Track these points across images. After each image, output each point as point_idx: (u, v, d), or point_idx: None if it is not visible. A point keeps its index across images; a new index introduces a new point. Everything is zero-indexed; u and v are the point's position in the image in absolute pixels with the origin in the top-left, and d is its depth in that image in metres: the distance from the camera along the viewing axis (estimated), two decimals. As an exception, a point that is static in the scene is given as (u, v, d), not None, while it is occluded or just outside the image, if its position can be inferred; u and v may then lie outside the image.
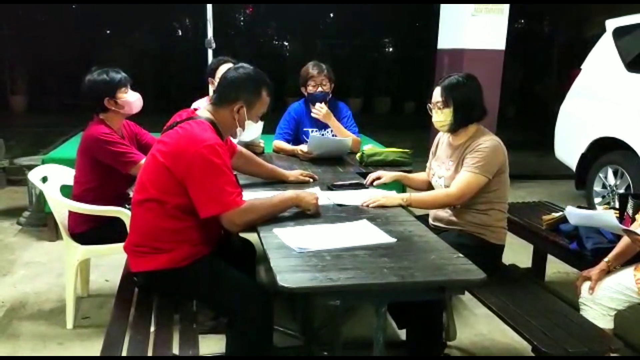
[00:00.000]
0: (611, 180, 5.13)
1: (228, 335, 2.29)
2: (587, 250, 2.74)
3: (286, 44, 15.52)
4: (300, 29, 14.36)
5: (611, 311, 2.37)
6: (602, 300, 2.37)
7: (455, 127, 2.70)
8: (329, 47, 14.35)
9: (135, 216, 2.29)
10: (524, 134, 10.31)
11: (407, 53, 14.94)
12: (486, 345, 3.04)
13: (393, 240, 2.08)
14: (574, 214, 2.51)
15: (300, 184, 2.86)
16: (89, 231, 3.01)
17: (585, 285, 2.45)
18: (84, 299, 3.41)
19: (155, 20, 13.43)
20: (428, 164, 3.01)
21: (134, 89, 3.10)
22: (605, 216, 2.29)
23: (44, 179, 3.14)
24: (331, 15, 15.18)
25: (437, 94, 2.69)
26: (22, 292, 3.51)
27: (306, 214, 2.33)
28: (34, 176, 3.05)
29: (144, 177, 2.27)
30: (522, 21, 14.68)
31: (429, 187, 2.94)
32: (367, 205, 2.51)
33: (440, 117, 2.68)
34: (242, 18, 15.03)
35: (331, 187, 2.79)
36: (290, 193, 2.35)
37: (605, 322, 2.36)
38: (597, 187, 5.31)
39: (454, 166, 2.70)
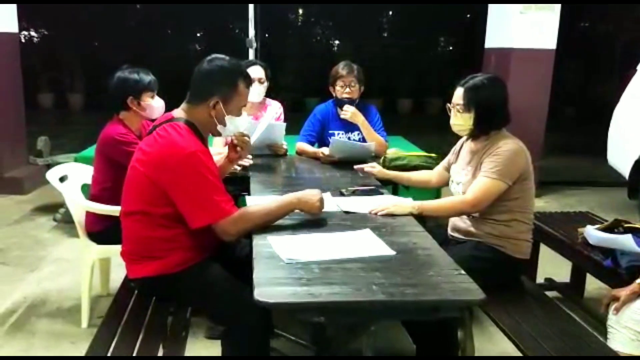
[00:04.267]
0: (666, 189, 4.77)
1: (223, 344, 2.20)
2: (622, 268, 2.52)
3: (337, 42, 15.38)
4: (352, 29, 14.18)
5: (640, 336, 2.15)
6: (628, 323, 2.15)
7: (476, 134, 2.54)
8: (381, 48, 14.11)
9: (125, 227, 2.21)
10: (581, 137, 9.82)
11: (460, 53, 14.52)
12: (509, 365, 2.84)
13: (392, 252, 1.94)
14: (593, 236, 2.30)
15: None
16: (105, 230, 3.00)
17: (613, 306, 2.24)
18: (102, 297, 3.41)
19: (202, 20, 13.61)
20: (444, 162, 2.87)
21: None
22: (624, 241, 2.07)
23: (65, 178, 3.15)
24: (389, 13, 14.92)
25: (458, 95, 2.53)
26: (44, 289, 3.55)
27: (308, 220, 2.22)
28: (51, 175, 3.07)
29: (126, 188, 2.18)
30: (584, 20, 14.02)
31: (434, 185, 2.93)
32: (376, 213, 2.37)
33: (460, 120, 2.52)
34: (292, 17, 15.00)
35: (342, 193, 2.67)
36: (290, 197, 2.20)
37: (633, 348, 2.14)
38: (650, 197, 4.95)
39: (472, 171, 2.53)
